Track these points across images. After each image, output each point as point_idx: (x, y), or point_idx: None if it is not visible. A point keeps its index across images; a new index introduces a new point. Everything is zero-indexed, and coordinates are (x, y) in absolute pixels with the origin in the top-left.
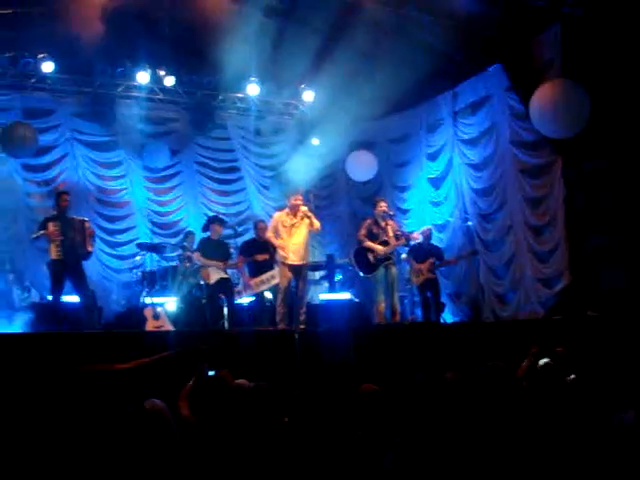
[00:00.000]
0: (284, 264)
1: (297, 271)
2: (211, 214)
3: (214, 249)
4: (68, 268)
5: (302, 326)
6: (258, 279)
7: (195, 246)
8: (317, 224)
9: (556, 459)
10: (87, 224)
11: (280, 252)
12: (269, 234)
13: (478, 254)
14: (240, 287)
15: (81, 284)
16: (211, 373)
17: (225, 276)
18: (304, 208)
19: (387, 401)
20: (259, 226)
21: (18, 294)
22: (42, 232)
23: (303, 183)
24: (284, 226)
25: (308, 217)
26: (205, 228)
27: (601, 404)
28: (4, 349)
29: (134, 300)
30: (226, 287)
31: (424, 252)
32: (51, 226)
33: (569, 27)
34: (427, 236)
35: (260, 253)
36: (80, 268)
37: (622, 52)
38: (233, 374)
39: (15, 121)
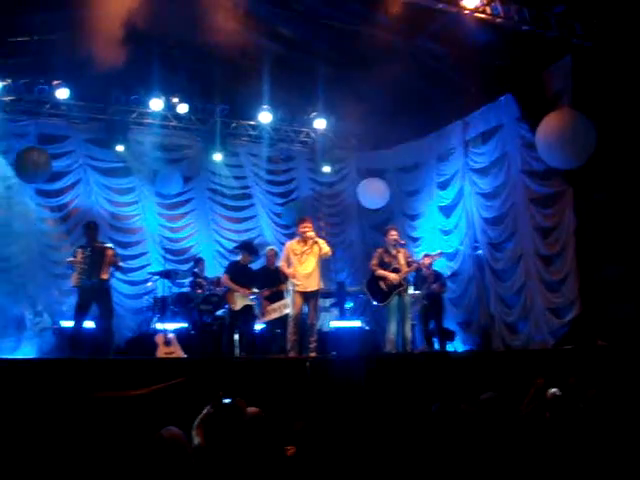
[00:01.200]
0: (296, 292)
1: (308, 298)
2: (222, 241)
3: (242, 274)
4: (93, 295)
5: (313, 354)
6: (270, 307)
7: (207, 273)
8: (326, 249)
9: None
10: (109, 252)
11: (292, 280)
12: (282, 263)
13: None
14: (257, 312)
15: (104, 310)
16: (227, 401)
17: (250, 303)
18: (311, 234)
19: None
20: (268, 253)
21: (30, 319)
22: (70, 260)
23: (314, 211)
24: (295, 254)
25: (316, 242)
26: (238, 252)
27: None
28: (16, 374)
29: (145, 326)
30: (249, 314)
31: (422, 278)
32: (79, 254)
33: (580, 58)
34: (429, 263)
35: (270, 281)
36: (105, 294)
37: (633, 83)
38: (244, 402)
39: (29, 146)
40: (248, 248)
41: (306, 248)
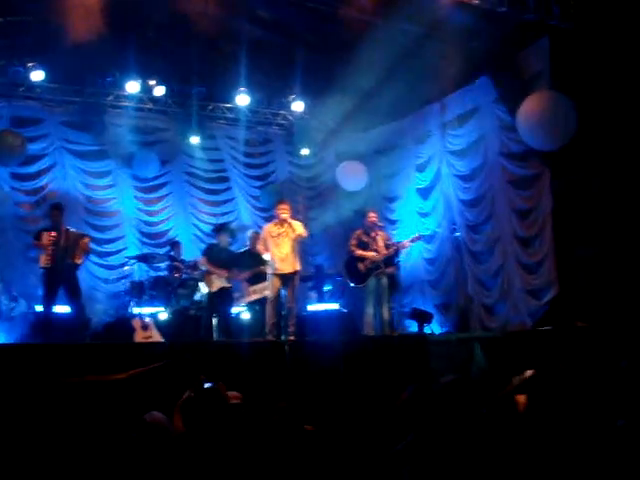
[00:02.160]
0: (273, 274)
1: (286, 280)
2: (200, 224)
3: (221, 256)
4: (61, 277)
5: (292, 337)
6: (251, 288)
7: (183, 255)
8: (300, 230)
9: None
10: (85, 239)
11: (269, 262)
12: (260, 247)
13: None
14: (237, 294)
15: (74, 293)
16: (207, 385)
17: (227, 285)
18: (285, 215)
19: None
20: (251, 236)
21: (6, 304)
22: (35, 243)
23: (292, 194)
24: (272, 236)
25: (290, 225)
26: (215, 234)
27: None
28: None
29: (122, 310)
30: (226, 296)
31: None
32: (45, 237)
33: (557, 40)
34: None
35: (251, 263)
36: (73, 277)
37: (610, 64)
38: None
39: (3, 129)
40: (226, 230)
41: (282, 230)
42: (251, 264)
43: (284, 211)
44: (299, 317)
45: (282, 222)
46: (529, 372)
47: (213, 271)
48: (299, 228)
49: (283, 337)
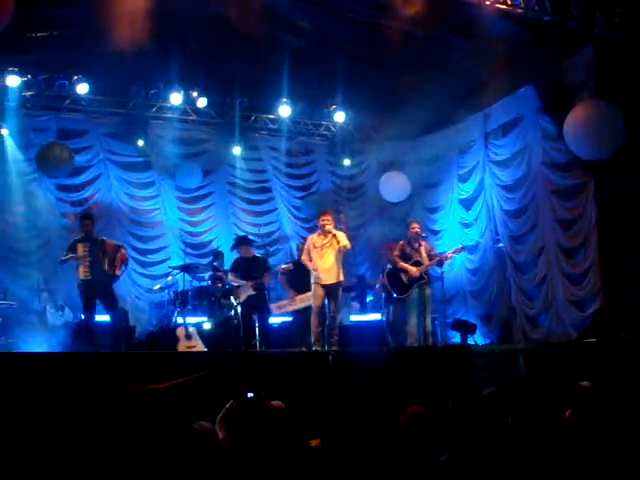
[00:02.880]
0: (317, 284)
1: (329, 291)
2: (242, 234)
3: (244, 268)
4: (97, 289)
5: (335, 347)
6: (298, 297)
7: (226, 266)
8: (344, 242)
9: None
10: (122, 250)
11: (313, 273)
12: (303, 257)
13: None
14: (285, 301)
15: (110, 305)
16: (250, 395)
17: (252, 293)
18: (329, 227)
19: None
20: (300, 247)
21: (52, 313)
22: (70, 255)
23: (334, 204)
24: (315, 247)
25: (334, 236)
26: (233, 249)
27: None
28: (38, 368)
29: (166, 320)
30: (255, 304)
31: None
32: (80, 248)
33: (602, 49)
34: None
35: (302, 276)
36: (110, 289)
37: None
38: (267, 396)
39: (52, 141)
40: (243, 241)
41: (326, 241)
42: (300, 277)
43: (327, 222)
44: (341, 327)
45: (326, 233)
46: (586, 383)
47: (238, 283)
48: (343, 239)
49: (326, 347)
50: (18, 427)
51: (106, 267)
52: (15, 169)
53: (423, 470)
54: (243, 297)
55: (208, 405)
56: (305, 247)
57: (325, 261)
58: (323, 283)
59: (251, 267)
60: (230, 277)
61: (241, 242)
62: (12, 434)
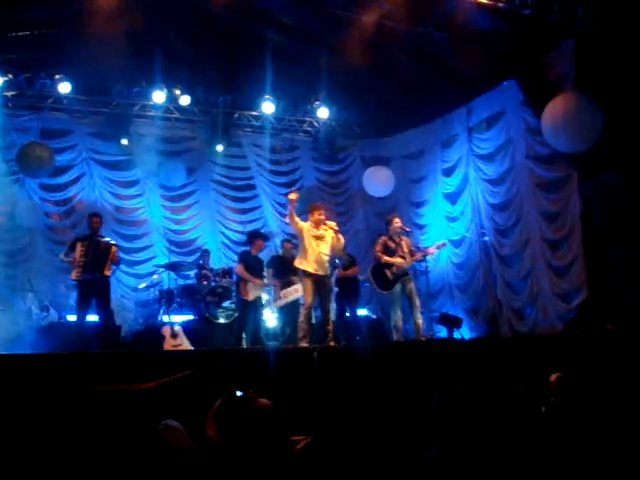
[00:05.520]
0: (307, 276)
1: (320, 283)
2: (227, 232)
3: (255, 265)
4: (93, 288)
5: (332, 342)
6: (283, 292)
7: (212, 264)
8: (343, 240)
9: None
10: (114, 249)
11: (304, 264)
12: (291, 219)
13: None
14: (270, 299)
15: (104, 305)
16: (239, 393)
17: (262, 294)
18: (332, 223)
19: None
20: (286, 246)
21: (37, 313)
22: (68, 260)
23: (318, 200)
24: (312, 235)
25: (335, 232)
26: (248, 242)
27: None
28: (22, 369)
29: (152, 319)
30: (260, 306)
31: None
32: (78, 248)
33: (583, 42)
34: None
35: (287, 270)
36: (106, 289)
37: (635, 65)
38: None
39: (32, 141)
40: (259, 236)
41: (319, 233)
42: (284, 271)
43: (323, 215)
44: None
45: (318, 226)
46: (554, 375)
47: (249, 279)
48: (342, 241)
49: (322, 343)
50: (6, 428)
51: (98, 267)
52: None
53: (408, 466)
54: (252, 296)
55: (196, 403)
56: (300, 224)
57: (319, 251)
58: (314, 273)
59: (259, 264)
60: (239, 270)
61: (257, 236)
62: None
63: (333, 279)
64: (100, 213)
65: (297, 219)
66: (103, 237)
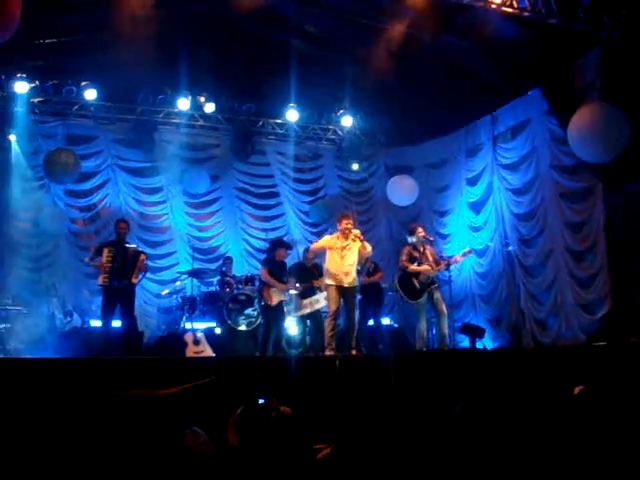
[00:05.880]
0: (334, 287)
1: (346, 293)
2: (250, 239)
3: (279, 270)
4: (119, 294)
5: (354, 351)
6: (303, 302)
7: (235, 271)
8: (369, 248)
9: None
10: (142, 257)
11: (330, 275)
12: (310, 254)
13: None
14: (290, 307)
15: (128, 311)
16: (261, 401)
17: (285, 299)
18: (356, 231)
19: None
20: (307, 255)
21: (60, 318)
22: (93, 264)
23: (342, 208)
24: (334, 248)
25: (361, 240)
26: (271, 250)
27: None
28: (47, 374)
29: (174, 325)
30: (283, 312)
31: None
32: (105, 254)
33: (609, 51)
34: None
35: (304, 276)
36: (130, 296)
37: None
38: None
39: (58, 147)
40: (282, 244)
41: (347, 244)
42: (305, 279)
43: (351, 224)
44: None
45: (346, 236)
46: (578, 388)
47: (273, 284)
48: (368, 246)
49: (346, 351)
50: (28, 432)
51: (125, 274)
52: (23, 175)
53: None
54: (275, 301)
55: (218, 410)
56: (320, 243)
57: (345, 263)
58: (341, 285)
59: (289, 272)
60: (263, 274)
61: (280, 245)
62: (22, 439)
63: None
64: (126, 219)
65: (310, 254)
66: (129, 244)
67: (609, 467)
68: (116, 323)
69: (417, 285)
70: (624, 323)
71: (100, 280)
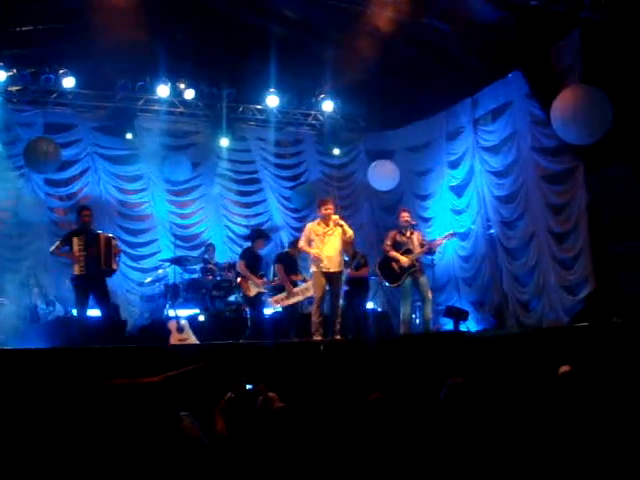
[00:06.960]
0: (319, 272)
1: (332, 279)
2: (232, 226)
3: (256, 262)
4: (91, 283)
5: (338, 336)
6: (297, 289)
7: (217, 258)
8: (350, 232)
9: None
10: (114, 242)
11: (314, 261)
12: (301, 244)
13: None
14: (283, 295)
15: (103, 299)
16: (249, 387)
17: (263, 291)
18: (336, 216)
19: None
20: (297, 248)
21: (42, 308)
22: (65, 254)
23: (324, 193)
24: (317, 235)
25: (341, 225)
26: (252, 240)
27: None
28: (29, 364)
29: (158, 313)
30: (263, 300)
31: None
32: (75, 243)
33: (589, 32)
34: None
35: (294, 267)
36: (103, 283)
37: None
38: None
39: (38, 136)
40: (261, 234)
41: (328, 229)
42: (290, 270)
43: (330, 210)
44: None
45: (327, 221)
46: (564, 368)
47: (248, 277)
48: (349, 230)
49: (329, 336)
50: (10, 423)
51: (102, 262)
52: (2, 165)
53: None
54: (253, 292)
55: (204, 398)
56: (305, 234)
57: (328, 249)
58: (325, 271)
59: (259, 262)
60: (240, 266)
61: (260, 236)
62: (7, 430)
63: (344, 277)
64: (88, 206)
65: (302, 244)
66: (95, 230)
67: (594, 446)
68: (97, 312)
69: (397, 269)
70: (606, 303)
71: (76, 270)
